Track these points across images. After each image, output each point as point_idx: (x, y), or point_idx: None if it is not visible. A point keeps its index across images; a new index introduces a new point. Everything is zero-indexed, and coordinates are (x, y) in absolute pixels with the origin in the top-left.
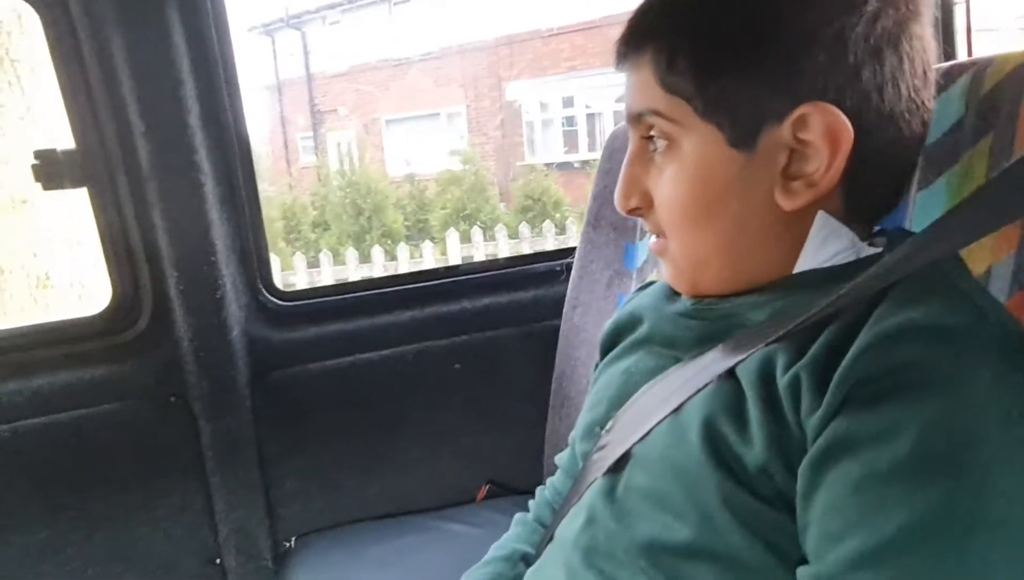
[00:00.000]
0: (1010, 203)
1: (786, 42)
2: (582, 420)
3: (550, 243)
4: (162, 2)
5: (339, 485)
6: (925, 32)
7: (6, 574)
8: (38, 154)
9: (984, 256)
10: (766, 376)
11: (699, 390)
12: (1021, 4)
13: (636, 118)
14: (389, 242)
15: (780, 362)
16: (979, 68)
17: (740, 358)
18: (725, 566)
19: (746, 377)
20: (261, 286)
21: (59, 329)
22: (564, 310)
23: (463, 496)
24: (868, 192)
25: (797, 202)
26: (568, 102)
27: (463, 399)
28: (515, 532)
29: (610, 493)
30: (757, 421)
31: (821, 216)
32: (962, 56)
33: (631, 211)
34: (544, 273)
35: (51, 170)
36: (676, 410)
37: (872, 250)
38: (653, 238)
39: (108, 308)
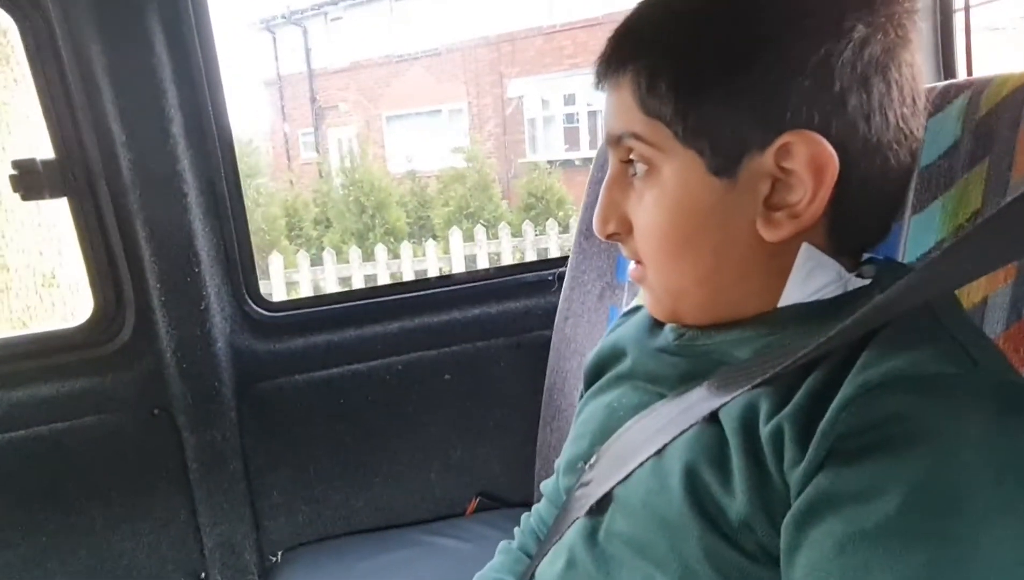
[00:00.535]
0: (1010, 242)
1: (770, 67)
2: (566, 452)
3: (553, 241)
4: (143, 10)
5: (326, 498)
6: (915, 59)
7: None
8: (16, 164)
9: (980, 285)
10: (748, 424)
11: (682, 432)
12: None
13: (616, 140)
14: (392, 240)
15: (763, 409)
16: (976, 89)
17: (723, 401)
18: None
19: (729, 423)
20: (247, 296)
21: (40, 341)
22: (556, 321)
23: (453, 509)
24: (854, 223)
25: (780, 233)
26: (570, 99)
27: (453, 410)
28: (499, 561)
29: (591, 537)
30: (740, 471)
31: (805, 248)
32: (962, 70)
33: (609, 236)
34: (535, 283)
35: (30, 180)
36: (659, 452)
37: (860, 282)
38: (632, 264)
39: (90, 319)
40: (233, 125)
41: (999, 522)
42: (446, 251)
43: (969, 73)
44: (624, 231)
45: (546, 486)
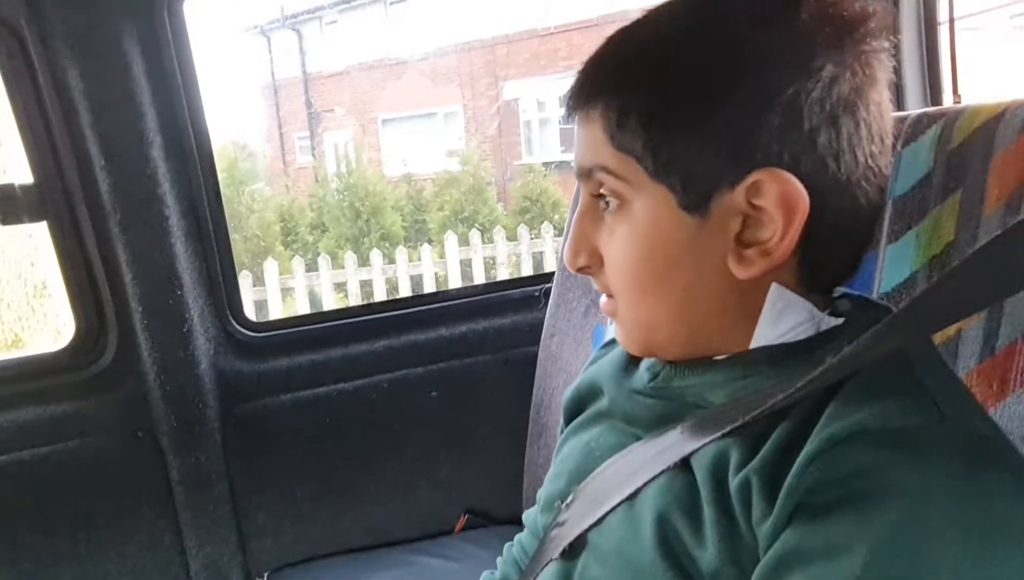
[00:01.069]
0: (984, 288)
1: (740, 105)
2: (545, 488)
3: (549, 245)
4: (120, 33)
5: (313, 518)
6: (883, 97)
7: None
8: None
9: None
10: (718, 474)
11: (654, 478)
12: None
13: (586, 174)
14: (387, 245)
15: (732, 460)
16: (948, 119)
17: (695, 447)
18: None
19: (700, 472)
20: (230, 317)
21: (21, 364)
22: (542, 338)
23: (440, 527)
24: (825, 260)
25: (751, 271)
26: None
27: (440, 428)
28: None
29: None
30: (710, 521)
31: (775, 288)
32: (948, 91)
33: (580, 269)
34: (522, 299)
35: (9, 205)
36: (632, 497)
37: (832, 322)
38: (604, 298)
39: (72, 343)
40: (227, 131)
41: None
42: (442, 256)
43: (955, 89)
44: (595, 265)
45: (527, 516)
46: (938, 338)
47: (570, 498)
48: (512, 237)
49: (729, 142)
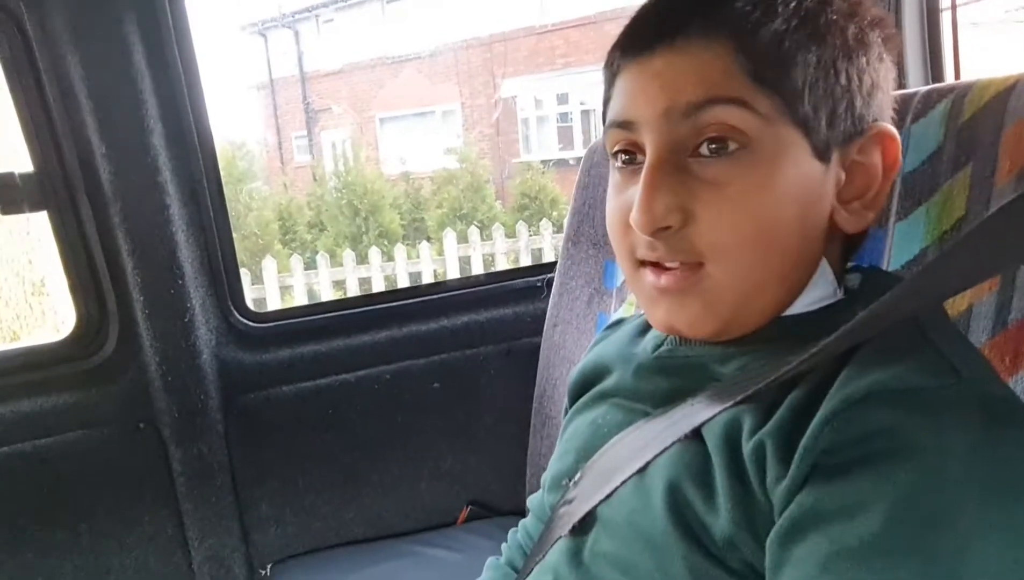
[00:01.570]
0: (996, 254)
1: (876, 55)
2: (551, 468)
3: (547, 242)
4: (120, 20)
5: (315, 510)
6: None
7: None
8: None
9: (965, 294)
10: (731, 441)
11: (665, 449)
12: None
13: (689, 110)
14: (386, 243)
15: (746, 426)
16: (958, 94)
17: (707, 417)
18: None
19: (712, 440)
20: (232, 307)
21: (22, 355)
22: (544, 328)
23: (443, 518)
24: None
25: (860, 225)
26: (563, 98)
27: (442, 419)
28: (488, 577)
29: (576, 556)
30: (723, 488)
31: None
32: (949, 74)
33: (656, 231)
34: (524, 289)
35: (9, 194)
36: (642, 470)
37: (842, 295)
38: (663, 277)
39: (73, 333)
40: (225, 130)
41: (984, 539)
42: (440, 253)
43: (957, 73)
44: (678, 223)
45: (532, 500)
46: (950, 312)
47: (578, 475)
48: (511, 234)
49: (867, 88)
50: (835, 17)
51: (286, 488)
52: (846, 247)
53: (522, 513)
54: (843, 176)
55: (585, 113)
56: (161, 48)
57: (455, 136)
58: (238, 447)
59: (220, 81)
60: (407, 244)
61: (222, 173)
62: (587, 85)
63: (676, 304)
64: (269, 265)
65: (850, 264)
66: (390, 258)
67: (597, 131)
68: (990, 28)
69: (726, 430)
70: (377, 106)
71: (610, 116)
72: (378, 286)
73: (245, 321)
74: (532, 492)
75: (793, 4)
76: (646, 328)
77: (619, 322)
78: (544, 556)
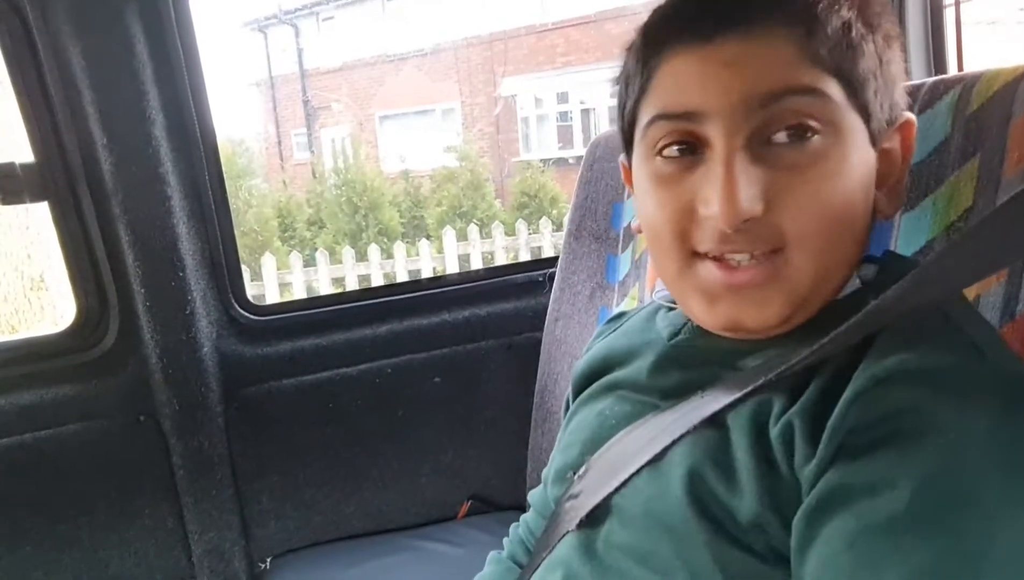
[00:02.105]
0: (1012, 243)
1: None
2: (554, 461)
3: (547, 240)
4: (122, 11)
5: (315, 503)
6: None
7: None
8: None
9: (972, 286)
10: (758, 425)
11: (682, 436)
12: None
13: (766, 100)
14: (385, 240)
15: (774, 409)
16: (966, 85)
17: (727, 403)
18: None
19: (737, 424)
20: (233, 300)
21: (22, 347)
22: (546, 322)
23: (444, 513)
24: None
25: (893, 209)
26: (563, 98)
27: (443, 413)
28: (490, 571)
29: (589, 549)
30: (748, 471)
31: None
32: (952, 66)
33: (746, 221)
34: (525, 284)
35: (10, 184)
36: (657, 459)
37: (858, 285)
38: (737, 274)
39: (73, 325)
40: (225, 126)
41: (1010, 516)
42: (440, 251)
43: (960, 68)
44: (761, 213)
45: (533, 495)
46: None
47: (583, 469)
48: (510, 232)
49: (899, 77)
50: (878, 9)
51: (286, 482)
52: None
53: (523, 508)
54: (876, 162)
55: (585, 112)
56: (163, 39)
57: (455, 134)
58: (238, 440)
59: (220, 77)
60: (406, 242)
61: None
62: (586, 84)
63: (748, 299)
64: (268, 262)
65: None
66: (389, 256)
67: (597, 130)
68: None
69: (753, 415)
70: (377, 103)
71: (658, 108)
72: (377, 283)
73: (246, 314)
74: (533, 486)
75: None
76: (654, 314)
77: (620, 316)
78: (552, 551)
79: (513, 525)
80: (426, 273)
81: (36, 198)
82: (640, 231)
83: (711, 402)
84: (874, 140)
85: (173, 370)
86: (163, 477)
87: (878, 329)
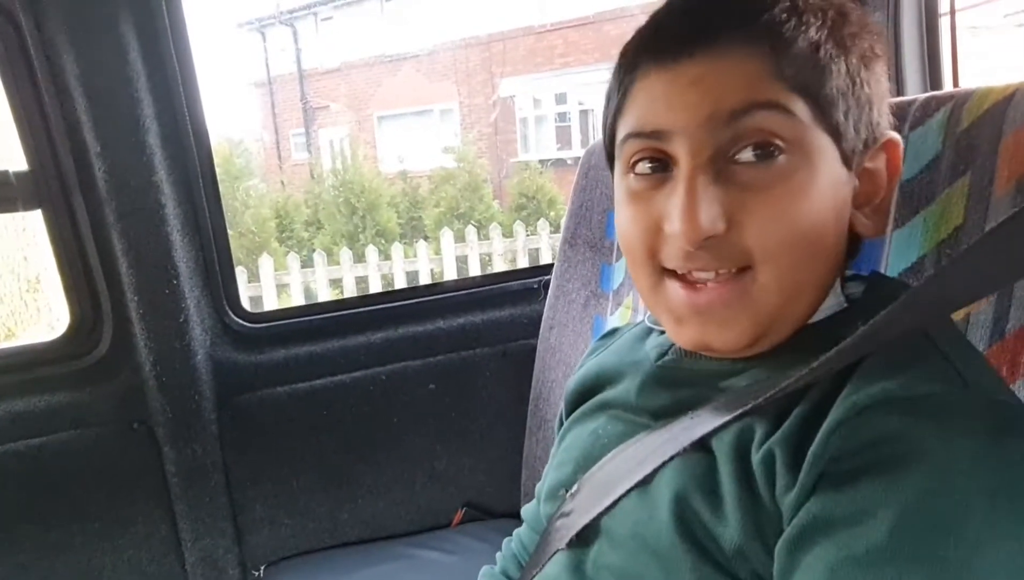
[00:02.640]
0: (1003, 266)
1: (882, 66)
2: (548, 478)
3: (544, 242)
4: (116, 18)
5: (309, 511)
6: None
7: None
8: None
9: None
10: (742, 450)
11: (670, 459)
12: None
13: (730, 118)
14: (383, 241)
15: (756, 435)
16: (957, 102)
17: (713, 427)
18: None
19: (721, 450)
20: (227, 308)
21: (16, 354)
22: (541, 330)
23: (438, 520)
24: (857, 237)
25: (876, 229)
26: (561, 98)
27: (437, 421)
28: None
29: (578, 569)
30: (732, 498)
31: None
32: (948, 82)
33: (707, 239)
34: (520, 291)
35: (3, 192)
36: (645, 481)
37: (844, 305)
38: (702, 294)
39: (67, 332)
40: (223, 126)
41: (992, 546)
42: (437, 252)
43: (955, 84)
44: (723, 231)
45: (526, 511)
46: None
47: (575, 488)
48: (508, 234)
49: (880, 97)
50: (855, 30)
51: (280, 489)
52: (847, 257)
53: (517, 515)
54: (857, 182)
55: (583, 113)
56: (157, 47)
57: (453, 135)
58: (232, 448)
59: (218, 78)
60: (404, 243)
61: (219, 170)
62: (584, 85)
63: (714, 321)
64: (266, 263)
65: (849, 273)
66: (387, 257)
67: (595, 131)
68: (990, 32)
69: (737, 440)
70: (375, 104)
71: (630, 126)
72: (375, 284)
73: (240, 321)
74: (527, 494)
75: (820, 15)
76: (646, 335)
77: (614, 331)
78: (542, 568)
79: (506, 540)
80: (424, 274)
81: (30, 206)
82: None
83: (698, 425)
84: (847, 160)
85: (167, 377)
86: (156, 484)
87: (866, 355)
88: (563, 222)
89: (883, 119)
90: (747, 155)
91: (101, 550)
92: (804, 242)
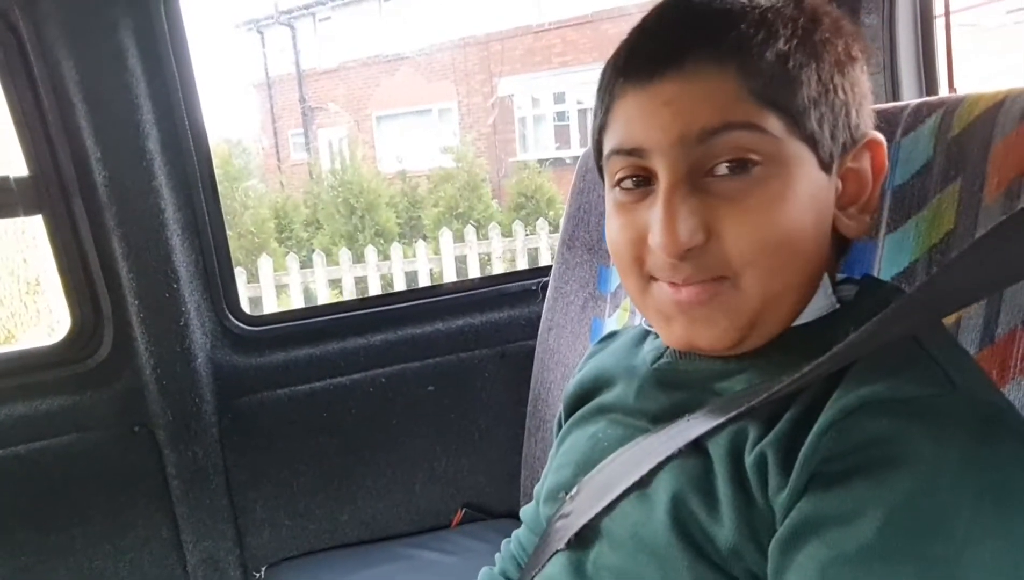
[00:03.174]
0: (996, 271)
1: (861, 67)
2: (547, 480)
3: (543, 241)
4: (115, 25)
5: (310, 512)
6: None
7: None
8: None
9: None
10: (736, 452)
11: (667, 461)
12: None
13: (705, 136)
14: (382, 241)
15: (750, 438)
16: (948, 108)
17: (708, 428)
18: None
19: (716, 452)
20: (227, 311)
21: (17, 358)
22: (539, 332)
23: (438, 521)
24: (845, 239)
25: (859, 230)
26: (559, 98)
27: (437, 422)
28: None
29: (578, 570)
30: (727, 499)
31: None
32: (943, 87)
33: (688, 250)
34: (519, 293)
35: (4, 198)
36: (643, 483)
37: (836, 306)
38: (683, 291)
39: (68, 336)
40: (222, 127)
41: (980, 545)
42: (436, 252)
43: (951, 89)
44: (703, 242)
45: (525, 512)
46: None
47: (575, 490)
48: (507, 233)
49: (859, 98)
50: (828, 35)
51: (280, 491)
52: (837, 258)
53: (516, 515)
54: (840, 184)
55: (582, 112)
56: (156, 53)
57: (452, 135)
58: (233, 450)
59: (216, 78)
60: (403, 243)
61: (218, 171)
62: (583, 84)
63: (698, 319)
64: (265, 263)
65: (841, 275)
66: (386, 257)
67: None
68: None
69: (731, 442)
70: (374, 104)
71: (613, 143)
72: (374, 285)
73: (240, 324)
74: (526, 494)
75: (791, 25)
76: (643, 339)
77: (612, 334)
78: (542, 569)
79: (505, 541)
80: (423, 274)
81: (30, 211)
82: None
83: (693, 428)
84: (825, 165)
85: (167, 381)
86: (157, 487)
87: (858, 357)
88: (561, 224)
89: (864, 120)
90: (723, 169)
91: (103, 553)
92: (783, 248)
